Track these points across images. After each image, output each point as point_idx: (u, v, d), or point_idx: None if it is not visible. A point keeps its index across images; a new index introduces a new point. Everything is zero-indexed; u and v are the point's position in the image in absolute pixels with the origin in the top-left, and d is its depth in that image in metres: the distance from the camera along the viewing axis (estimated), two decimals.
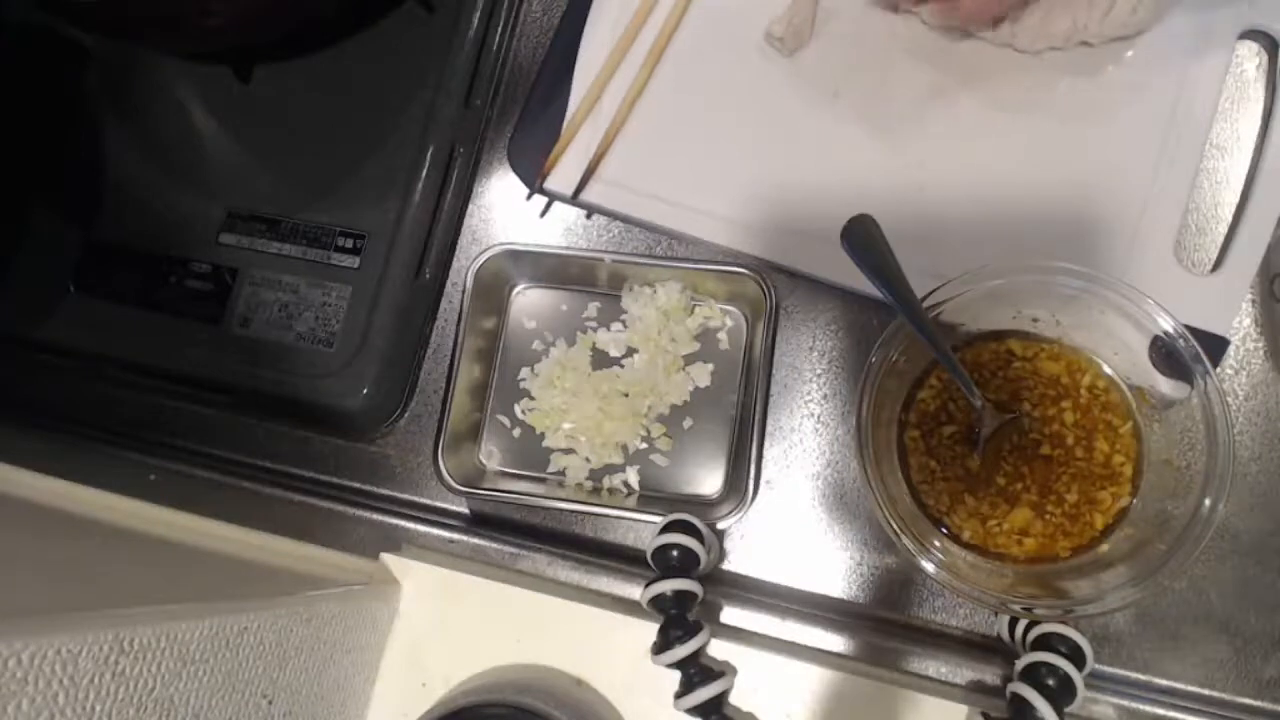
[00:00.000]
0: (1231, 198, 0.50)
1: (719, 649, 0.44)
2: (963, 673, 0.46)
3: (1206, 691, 0.47)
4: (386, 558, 0.47)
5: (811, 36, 0.52)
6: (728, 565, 0.51)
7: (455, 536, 0.51)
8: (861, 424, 0.41)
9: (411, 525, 0.51)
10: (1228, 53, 0.50)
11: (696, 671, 0.42)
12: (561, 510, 0.52)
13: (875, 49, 0.52)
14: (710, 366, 0.52)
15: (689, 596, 0.43)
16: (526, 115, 0.55)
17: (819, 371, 0.52)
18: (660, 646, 0.43)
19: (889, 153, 0.51)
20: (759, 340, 0.51)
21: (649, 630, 0.44)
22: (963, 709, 0.43)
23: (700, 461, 0.51)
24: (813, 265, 0.51)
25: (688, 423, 0.52)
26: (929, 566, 0.41)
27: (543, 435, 0.52)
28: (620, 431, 0.51)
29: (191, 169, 0.57)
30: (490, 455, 0.53)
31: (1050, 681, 0.40)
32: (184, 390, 0.55)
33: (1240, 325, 0.50)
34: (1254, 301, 0.50)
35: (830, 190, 0.51)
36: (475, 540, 0.51)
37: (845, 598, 0.50)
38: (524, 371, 0.53)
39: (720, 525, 0.48)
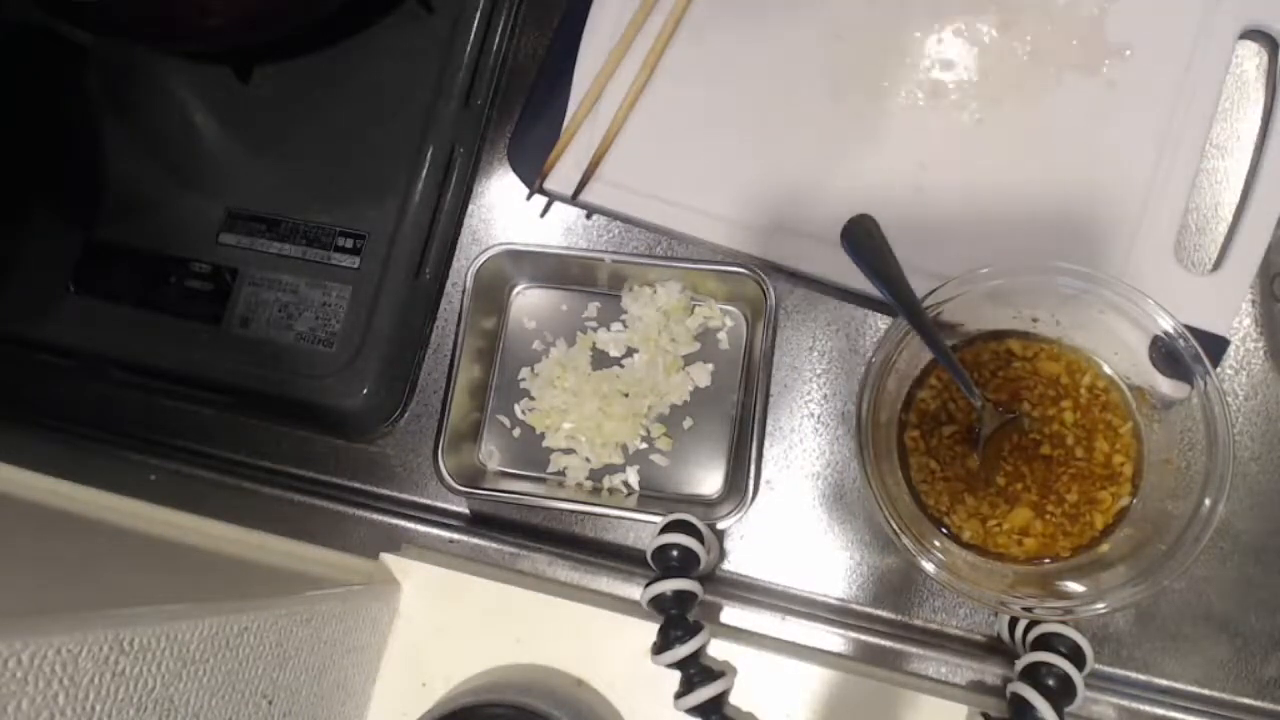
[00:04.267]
0: (1231, 198, 0.50)
1: (719, 649, 0.44)
2: (963, 673, 0.46)
3: (1206, 691, 0.47)
4: (386, 558, 0.47)
5: (811, 36, 0.52)
6: (728, 565, 0.51)
7: (455, 536, 0.51)
8: (861, 424, 0.41)
9: (411, 525, 0.51)
10: (1228, 53, 0.50)
11: (696, 671, 0.42)
12: (561, 510, 0.52)
13: (875, 49, 0.52)
14: (710, 366, 0.52)
15: (689, 596, 0.43)
16: (526, 115, 0.55)
17: (819, 371, 0.52)
18: (660, 646, 0.43)
19: (889, 153, 0.51)
20: (759, 340, 0.51)
21: (649, 630, 0.44)
22: (963, 709, 0.43)
23: (700, 461, 0.51)
24: (813, 265, 0.51)
25: (688, 423, 0.52)
26: (929, 566, 0.41)
27: (543, 435, 0.52)
28: (620, 431, 0.51)
29: (191, 169, 0.57)
30: (490, 455, 0.53)
31: (1050, 681, 0.40)
32: (184, 390, 0.55)
33: (1240, 325, 0.50)
34: (1254, 301, 0.50)
35: (830, 190, 0.51)
36: (475, 540, 0.51)
37: (845, 598, 0.50)
38: (524, 371, 0.53)
39: (720, 525, 0.48)
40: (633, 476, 0.51)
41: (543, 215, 0.55)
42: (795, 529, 0.50)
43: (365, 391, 0.52)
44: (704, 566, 0.45)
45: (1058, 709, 0.39)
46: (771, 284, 0.50)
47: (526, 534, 0.52)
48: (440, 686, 0.45)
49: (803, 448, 0.51)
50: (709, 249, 0.52)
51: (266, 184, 0.56)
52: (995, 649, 0.48)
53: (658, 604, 0.43)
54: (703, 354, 0.52)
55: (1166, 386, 0.42)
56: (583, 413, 0.51)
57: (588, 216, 0.55)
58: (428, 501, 0.53)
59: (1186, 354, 0.40)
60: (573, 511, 0.52)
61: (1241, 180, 0.50)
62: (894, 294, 0.41)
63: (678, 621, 0.43)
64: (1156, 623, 0.47)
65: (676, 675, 0.43)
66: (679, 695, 0.42)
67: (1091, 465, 0.44)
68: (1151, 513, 0.42)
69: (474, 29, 0.56)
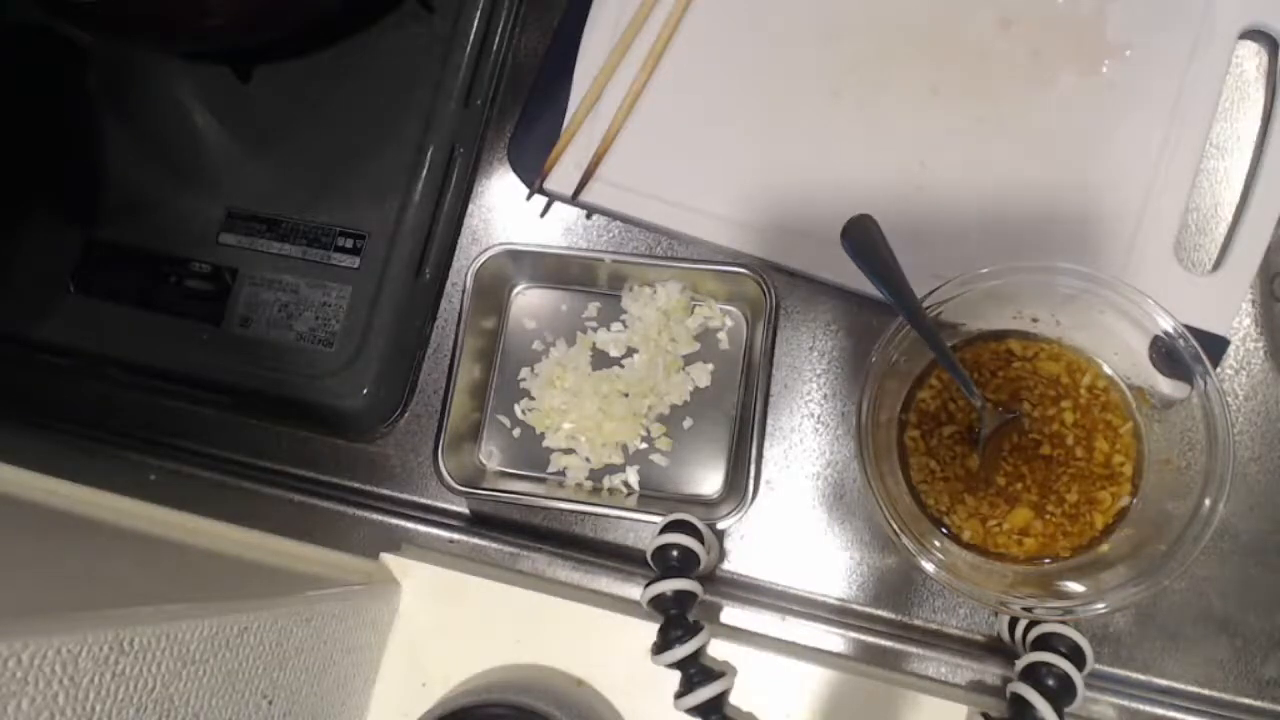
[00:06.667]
0: (1231, 198, 0.50)
1: (719, 649, 0.44)
2: (963, 673, 0.46)
3: (1206, 691, 0.47)
4: (386, 558, 0.47)
5: (810, 36, 0.52)
6: (728, 565, 0.51)
7: (455, 536, 0.51)
8: (861, 424, 0.41)
9: (411, 525, 0.51)
10: (1228, 53, 0.50)
11: (696, 671, 0.42)
12: (561, 510, 0.52)
13: (874, 48, 0.52)
14: (710, 366, 0.52)
15: (689, 596, 0.43)
16: (526, 115, 0.55)
17: (819, 371, 0.52)
18: (660, 646, 0.43)
19: (889, 152, 0.51)
20: (759, 340, 0.51)
21: (649, 630, 0.44)
22: (963, 709, 0.43)
23: (700, 461, 0.51)
24: (813, 265, 0.51)
25: (688, 423, 0.52)
26: (929, 566, 0.41)
27: (543, 435, 0.52)
28: (620, 431, 0.51)
29: (191, 169, 0.57)
30: (490, 455, 0.53)
31: (1050, 681, 0.40)
32: (184, 390, 0.55)
33: (1240, 325, 0.50)
34: (1254, 301, 0.50)
35: (830, 190, 0.51)
36: (475, 540, 0.51)
37: (845, 598, 0.50)
38: (524, 371, 0.53)
39: (720, 525, 0.48)
40: (633, 476, 0.51)
41: (543, 215, 0.55)
42: (795, 529, 0.50)
43: (365, 391, 0.52)
44: (704, 566, 0.45)
45: (1058, 709, 0.39)
46: (771, 284, 0.50)
47: (526, 534, 0.52)
48: (440, 686, 0.45)
49: (803, 448, 0.51)
50: (709, 249, 0.52)
51: (266, 184, 0.56)
52: (995, 649, 0.48)
53: (658, 604, 0.43)
54: (703, 354, 0.52)
55: (1166, 386, 0.42)
56: (583, 413, 0.51)
57: (588, 216, 0.55)
58: (428, 501, 0.53)
59: (1186, 354, 0.40)
60: (573, 511, 0.52)
61: (1241, 180, 0.50)
62: (894, 294, 0.41)
63: (678, 621, 0.43)
64: (1156, 623, 0.47)
65: (676, 675, 0.43)
66: (679, 695, 0.42)
67: (1091, 465, 0.44)
68: (1151, 513, 0.42)
69: (474, 29, 0.56)
